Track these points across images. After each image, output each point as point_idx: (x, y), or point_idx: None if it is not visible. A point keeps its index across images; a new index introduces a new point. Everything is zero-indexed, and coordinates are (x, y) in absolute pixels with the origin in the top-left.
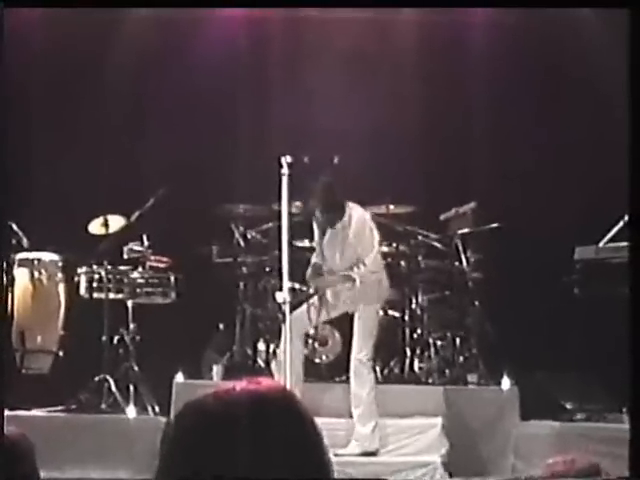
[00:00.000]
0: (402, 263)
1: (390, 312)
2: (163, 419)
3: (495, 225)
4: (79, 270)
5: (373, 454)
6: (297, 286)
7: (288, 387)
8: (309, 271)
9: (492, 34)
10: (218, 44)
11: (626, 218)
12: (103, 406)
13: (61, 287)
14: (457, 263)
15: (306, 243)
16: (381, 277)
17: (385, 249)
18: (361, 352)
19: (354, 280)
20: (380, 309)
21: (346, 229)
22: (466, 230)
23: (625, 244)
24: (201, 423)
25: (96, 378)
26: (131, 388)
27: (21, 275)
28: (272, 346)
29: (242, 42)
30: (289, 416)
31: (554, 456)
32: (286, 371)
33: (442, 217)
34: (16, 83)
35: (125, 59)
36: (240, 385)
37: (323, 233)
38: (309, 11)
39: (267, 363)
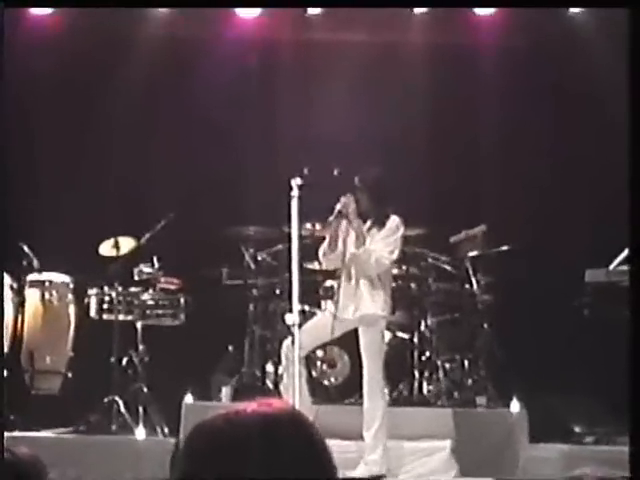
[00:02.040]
0: (412, 285)
1: (399, 334)
2: (172, 440)
3: (505, 248)
4: (89, 291)
5: (381, 477)
6: (307, 308)
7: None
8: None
9: (500, 53)
10: (227, 66)
11: (626, 252)
12: (112, 427)
13: (71, 308)
14: (467, 285)
15: (316, 265)
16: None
17: (395, 271)
18: (371, 373)
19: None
20: (385, 328)
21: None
22: (476, 253)
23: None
24: (211, 445)
25: (105, 399)
26: (140, 409)
27: (32, 296)
28: (281, 368)
29: (252, 64)
30: (299, 438)
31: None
32: (295, 393)
33: (452, 240)
34: (21, 93)
35: (134, 78)
36: (251, 407)
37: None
38: (318, 32)
39: (276, 385)
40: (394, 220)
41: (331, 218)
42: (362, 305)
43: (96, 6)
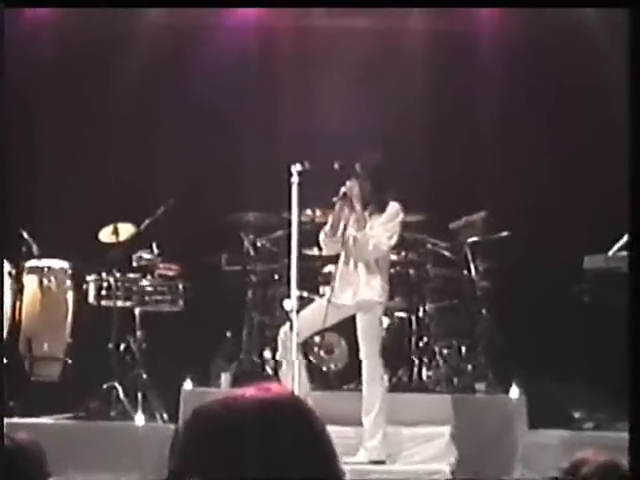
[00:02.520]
0: (411, 271)
1: (398, 320)
2: (171, 426)
3: (505, 234)
4: (88, 278)
5: (381, 463)
6: (306, 294)
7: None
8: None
9: (500, 43)
10: (227, 53)
11: (625, 238)
12: (112, 413)
13: (70, 294)
14: (466, 272)
15: (315, 251)
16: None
17: (394, 257)
18: (369, 359)
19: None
20: (382, 314)
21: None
22: (475, 239)
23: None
24: (209, 430)
25: (104, 385)
26: (139, 396)
27: (30, 282)
28: (278, 354)
29: (251, 51)
30: (298, 423)
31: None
32: (294, 379)
33: (452, 225)
34: (21, 88)
35: (134, 66)
36: (249, 392)
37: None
38: (318, 20)
39: (275, 371)
40: (394, 206)
41: (335, 199)
42: (359, 291)
43: (95, 6)
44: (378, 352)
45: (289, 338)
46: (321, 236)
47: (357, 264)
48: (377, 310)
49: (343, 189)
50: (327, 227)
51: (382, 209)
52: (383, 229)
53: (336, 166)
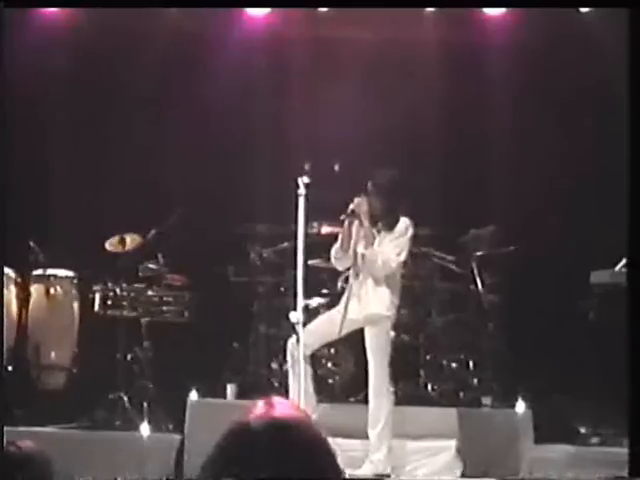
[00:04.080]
0: (417, 285)
1: (404, 333)
2: (177, 437)
3: (511, 248)
4: (94, 287)
5: (386, 476)
6: (313, 305)
7: (302, 407)
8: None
9: (510, 52)
10: (237, 63)
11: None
12: (117, 423)
13: (76, 304)
14: (472, 285)
15: (321, 263)
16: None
17: (401, 270)
18: (377, 372)
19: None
20: (391, 327)
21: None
22: (482, 253)
23: None
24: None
25: (110, 395)
26: (145, 406)
27: (36, 291)
28: (286, 366)
29: (261, 62)
30: (305, 440)
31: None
32: (300, 391)
33: (459, 239)
34: (24, 92)
35: (141, 76)
36: (258, 412)
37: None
38: (329, 29)
39: (281, 383)
40: (404, 222)
41: (343, 216)
42: (368, 305)
43: (96, 6)
44: (386, 365)
45: (297, 350)
46: (332, 253)
47: (367, 279)
48: (385, 324)
49: (351, 206)
50: (337, 244)
51: (393, 225)
52: (392, 245)
53: (336, 168)
